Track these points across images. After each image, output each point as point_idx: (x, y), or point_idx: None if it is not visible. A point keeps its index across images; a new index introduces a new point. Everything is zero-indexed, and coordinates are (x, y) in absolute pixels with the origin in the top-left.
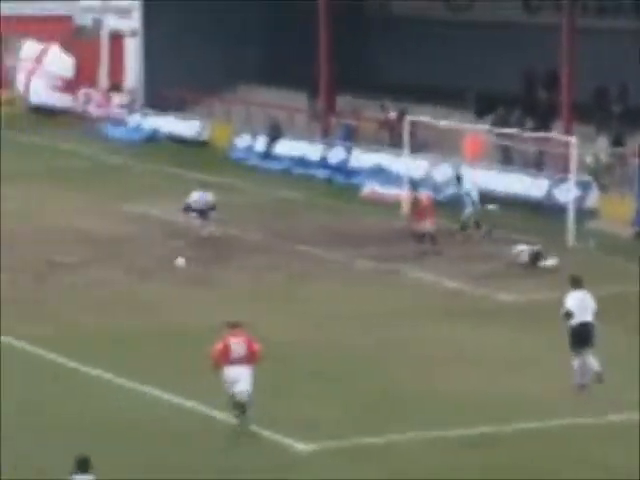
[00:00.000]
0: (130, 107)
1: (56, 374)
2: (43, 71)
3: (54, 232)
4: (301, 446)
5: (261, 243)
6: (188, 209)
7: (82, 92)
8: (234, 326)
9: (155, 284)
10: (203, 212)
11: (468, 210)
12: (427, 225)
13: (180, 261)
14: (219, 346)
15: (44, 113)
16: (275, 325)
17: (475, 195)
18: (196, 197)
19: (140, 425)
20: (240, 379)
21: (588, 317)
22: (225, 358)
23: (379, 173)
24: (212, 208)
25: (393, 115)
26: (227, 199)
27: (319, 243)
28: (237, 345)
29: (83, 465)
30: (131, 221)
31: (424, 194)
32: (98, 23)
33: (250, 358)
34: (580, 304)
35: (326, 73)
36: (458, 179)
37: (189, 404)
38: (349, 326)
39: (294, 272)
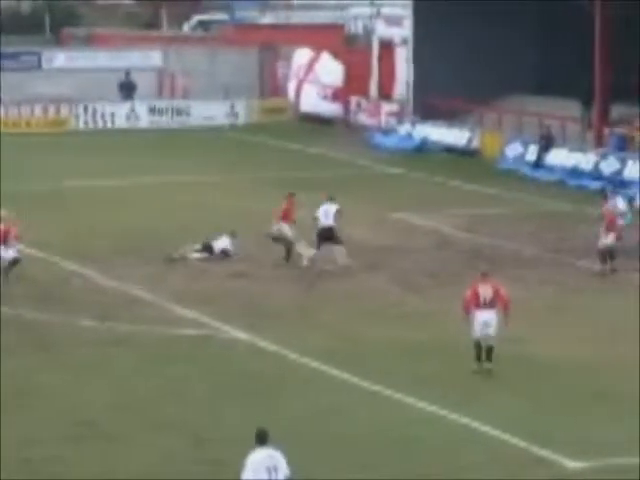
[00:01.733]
0: (400, 116)
1: (333, 386)
2: (314, 79)
3: None
4: (572, 464)
5: (532, 255)
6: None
7: (352, 101)
8: (484, 274)
9: (423, 294)
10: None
11: None
12: (610, 239)
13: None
14: (469, 293)
15: (314, 121)
16: (548, 340)
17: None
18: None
19: (417, 440)
20: (489, 323)
21: None
22: (475, 303)
23: None
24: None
25: None
26: (496, 210)
27: (592, 256)
28: (485, 291)
29: (262, 438)
30: (400, 230)
31: (610, 206)
32: (369, 32)
33: (497, 303)
34: None
35: (601, 81)
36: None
37: (463, 420)
38: (625, 342)
39: (567, 286)
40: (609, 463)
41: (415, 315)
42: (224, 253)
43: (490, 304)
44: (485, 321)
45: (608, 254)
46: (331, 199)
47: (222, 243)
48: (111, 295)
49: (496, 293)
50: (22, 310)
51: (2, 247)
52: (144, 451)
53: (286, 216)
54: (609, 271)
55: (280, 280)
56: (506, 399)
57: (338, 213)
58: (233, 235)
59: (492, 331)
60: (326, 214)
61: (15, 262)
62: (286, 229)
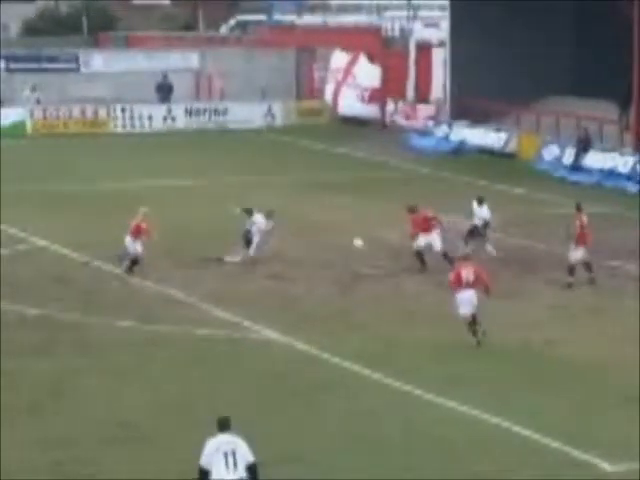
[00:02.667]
0: (437, 118)
1: (369, 387)
2: (351, 82)
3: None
4: (611, 467)
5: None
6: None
7: (389, 103)
8: (465, 257)
9: None
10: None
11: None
12: (579, 254)
13: (358, 243)
14: (453, 275)
15: (351, 123)
16: (584, 342)
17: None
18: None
19: (453, 442)
20: (472, 301)
21: None
22: (458, 284)
23: None
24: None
25: None
26: (533, 211)
27: (630, 258)
28: (467, 273)
29: (224, 425)
30: None
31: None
32: (406, 34)
33: (477, 283)
34: None
35: (639, 83)
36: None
37: (498, 421)
38: None
39: (604, 288)
40: None
41: (451, 316)
42: (249, 236)
43: (471, 284)
44: (468, 299)
45: (584, 266)
46: (481, 200)
47: (256, 220)
48: (149, 296)
49: (477, 275)
50: (61, 311)
51: (131, 240)
52: (179, 452)
53: (422, 229)
54: (588, 281)
55: (316, 282)
56: (541, 400)
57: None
58: (269, 215)
59: (475, 308)
60: (480, 214)
61: (135, 262)
62: (435, 239)
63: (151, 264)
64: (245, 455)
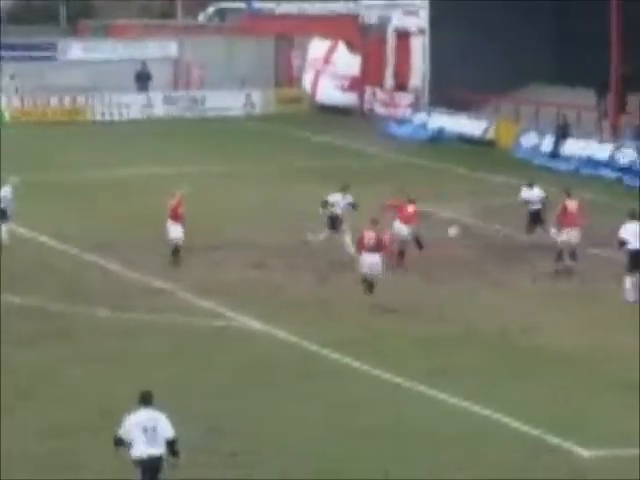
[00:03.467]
0: (415, 106)
1: (353, 378)
2: (331, 70)
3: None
4: (589, 453)
5: (549, 245)
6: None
7: (368, 91)
8: (374, 222)
9: (443, 286)
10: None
11: None
12: (573, 237)
13: (453, 232)
14: (359, 238)
15: (330, 112)
16: (566, 330)
17: None
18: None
19: (434, 430)
20: (374, 265)
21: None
22: (362, 246)
23: None
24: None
25: None
26: (512, 199)
27: (609, 245)
28: (369, 237)
29: (146, 399)
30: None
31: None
32: (384, 21)
33: (379, 247)
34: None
35: (617, 71)
36: None
37: (484, 412)
38: None
39: (586, 275)
40: (626, 453)
41: (434, 307)
42: (352, 206)
43: (374, 248)
44: (370, 263)
45: (556, 255)
46: (531, 185)
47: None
48: (131, 286)
49: (379, 240)
50: (44, 301)
51: (172, 223)
52: None
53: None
54: (561, 271)
55: (298, 270)
56: (523, 388)
57: None
58: (345, 189)
59: (377, 271)
60: (535, 196)
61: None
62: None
63: (133, 253)
64: (165, 430)
